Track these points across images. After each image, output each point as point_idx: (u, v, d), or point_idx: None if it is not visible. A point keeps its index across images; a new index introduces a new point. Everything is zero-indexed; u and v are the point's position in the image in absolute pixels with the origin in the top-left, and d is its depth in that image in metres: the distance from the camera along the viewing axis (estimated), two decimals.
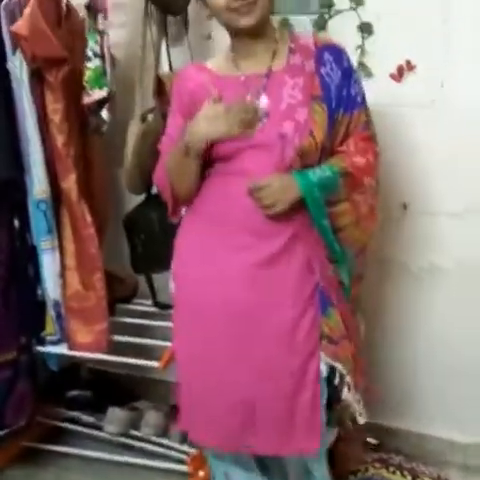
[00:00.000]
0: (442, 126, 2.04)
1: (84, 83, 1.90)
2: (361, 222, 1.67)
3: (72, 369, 2.46)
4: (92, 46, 1.88)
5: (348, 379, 1.65)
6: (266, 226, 1.59)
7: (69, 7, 1.92)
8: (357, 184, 1.63)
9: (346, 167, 1.61)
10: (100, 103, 1.92)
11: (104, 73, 1.88)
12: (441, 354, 2.21)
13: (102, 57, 1.88)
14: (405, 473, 2.22)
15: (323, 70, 1.60)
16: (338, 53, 1.64)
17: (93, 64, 1.88)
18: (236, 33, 1.59)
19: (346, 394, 1.66)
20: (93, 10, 1.88)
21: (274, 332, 1.61)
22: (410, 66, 2.02)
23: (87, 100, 1.91)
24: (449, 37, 1.96)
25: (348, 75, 1.64)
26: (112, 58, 1.98)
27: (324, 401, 1.64)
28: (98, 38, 1.88)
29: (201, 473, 2.16)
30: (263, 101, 1.58)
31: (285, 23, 1.83)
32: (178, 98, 1.67)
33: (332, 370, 1.63)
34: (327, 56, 1.62)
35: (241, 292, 1.60)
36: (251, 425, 1.65)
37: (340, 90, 1.61)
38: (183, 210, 1.75)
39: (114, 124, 2.05)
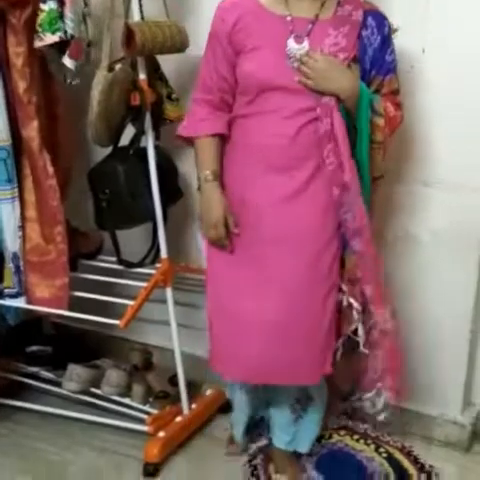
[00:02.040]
0: (421, 92, 1.99)
1: (37, 26, 1.81)
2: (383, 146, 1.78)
3: (34, 323, 2.43)
4: None
5: (360, 318, 1.82)
6: (288, 161, 1.71)
7: None
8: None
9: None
10: (60, 49, 1.83)
11: (60, 17, 1.79)
12: (410, 323, 2.19)
13: (60, 0, 1.79)
14: (369, 442, 2.25)
15: (364, 33, 1.70)
16: (381, 20, 1.73)
17: (47, 6, 1.79)
18: None
19: (360, 328, 1.82)
20: None
21: (301, 260, 1.75)
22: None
23: (38, 44, 1.82)
24: (431, 3, 1.91)
25: (386, 42, 1.73)
26: (85, 3, 1.91)
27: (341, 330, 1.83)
28: None
29: (161, 433, 2.16)
30: (304, 46, 1.67)
31: None
32: (224, 23, 1.71)
33: (349, 306, 1.81)
34: (370, 21, 1.71)
35: (271, 222, 1.74)
36: (273, 353, 1.78)
37: (377, 54, 1.71)
38: None
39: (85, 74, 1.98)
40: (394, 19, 1.91)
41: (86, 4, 1.91)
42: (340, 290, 1.82)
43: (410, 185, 2.09)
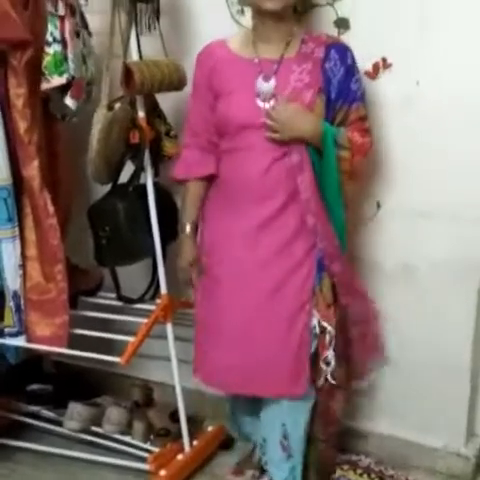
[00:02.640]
0: (417, 125, 2.02)
1: (43, 69, 1.85)
2: (353, 175, 1.88)
3: (34, 362, 2.42)
4: (52, 31, 1.83)
5: (333, 342, 1.89)
6: (261, 193, 1.84)
7: None
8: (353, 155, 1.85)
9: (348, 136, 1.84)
10: (62, 90, 1.86)
11: (64, 59, 1.84)
12: (411, 354, 2.20)
13: (63, 43, 1.83)
14: (373, 476, 2.23)
15: (327, 65, 1.81)
16: (343, 51, 1.84)
17: (52, 49, 1.83)
18: (260, 15, 1.80)
19: (330, 353, 1.90)
20: None
21: (265, 285, 1.87)
22: (386, 64, 2.00)
23: (46, 86, 1.86)
24: (425, 35, 1.94)
25: (350, 71, 1.83)
26: (84, 44, 1.94)
27: (311, 351, 1.90)
28: (58, 23, 1.83)
29: (163, 472, 2.14)
30: (271, 84, 1.81)
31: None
32: (201, 71, 1.90)
33: (322, 330, 1.89)
34: (333, 53, 1.82)
35: (240, 251, 1.88)
36: (246, 366, 1.91)
37: (342, 84, 1.81)
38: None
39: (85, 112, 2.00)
40: (388, 52, 1.98)
41: (85, 44, 1.94)
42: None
43: (408, 216, 2.11)
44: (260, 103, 1.82)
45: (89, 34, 2.02)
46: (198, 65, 1.91)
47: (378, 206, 2.13)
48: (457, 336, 2.13)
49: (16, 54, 1.85)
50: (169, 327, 2.23)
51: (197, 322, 2.05)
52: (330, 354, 1.90)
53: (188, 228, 2.01)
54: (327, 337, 1.89)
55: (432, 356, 2.18)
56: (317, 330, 1.89)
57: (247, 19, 1.99)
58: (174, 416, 2.32)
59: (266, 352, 1.90)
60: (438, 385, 2.19)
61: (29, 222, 2.03)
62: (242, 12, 2.03)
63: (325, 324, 1.88)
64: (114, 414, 2.29)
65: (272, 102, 1.81)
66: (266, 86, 1.81)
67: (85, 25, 2.00)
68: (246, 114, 1.82)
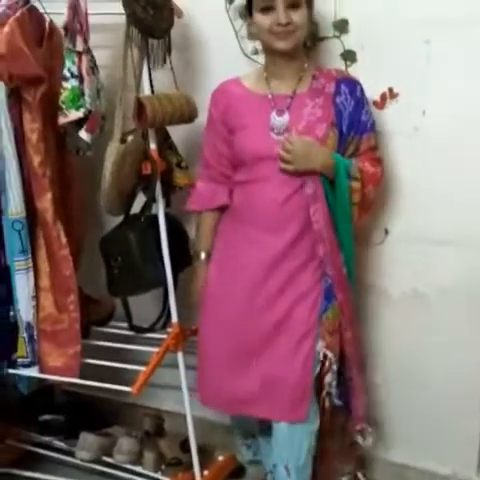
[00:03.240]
0: (424, 153, 2.04)
1: (60, 103, 1.88)
2: (364, 205, 1.94)
3: (46, 392, 2.42)
4: (69, 66, 1.86)
5: (334, 367, 1.93)
6: (276, 224, 1.89)
7: (52, 27, 1.90)
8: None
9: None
10: (78, 124, 1.89)
11: (82, 94, 1.87)
12: (422, 383, 2.20)
13: (80, 78, 1.87)
14: None
15: (338, 99, 1.89)
16: (353, 85, 1.91)
17: (70, 84, 1.87)
18: (272, 54, 1.89)
19: (330, 377, 1.93)
20: (71, 31, 1.86)
21: (272, 316, 1.92)
22: (392, 94, 2.03)
23: (63, 120, 1.89)
24: (431, 66, 1.97)
25: (360, 103, 1.91)
26: (97, 79, 1.98)
27: (314, 376, 1.92)
28: (76, 59, 1.87)
29: None
30: (285, 118, 1.88)
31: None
32: (216, 108, 1.97)
33: (324, 357, 1.92)
34: (343, 88, 1.89)
35: (252, 280, 1.92)
36: (251, 388, 1.95)
37: (352, 116, 1.89)
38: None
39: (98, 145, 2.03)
40: (394, 83, 2.01)
41: (98, 80, 1.98)
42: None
43: (418, 243, 2.12)
44: (274, 136, 1.88)
45: (98, 70, 2.04)
46: (213, 102, 1.98)
47: (386, 232, 2.15)
48: (467, 364, 2.13)
49: (30, 90, 1.89)
50: (180, 356, 2.23)
51: (200, 343, 2.08)
52: (330, 377, 1.94)
53: (203, 255, 2.06)
54: (327, 363, 1.92)
55: (443, 385, 2.18)
56: (321, 356, 1.92)
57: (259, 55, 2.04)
58: (185, 446, 2.32)
59: (269, 376, 1.94)
60: (447, 412, 2.19)
61: (42, 253, 2.05)
62: (256, 52, 2.08)
63: (327, 352, 1.92)
64: (125, 444, 2.29)
65: (286, 135, 1.87)
66: (280, 120, 1.88)
67: (94, 61, 2.02)
68: (261, 146, 1.89)
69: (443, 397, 2.18)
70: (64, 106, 1.88)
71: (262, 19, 1.82)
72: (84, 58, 1.89)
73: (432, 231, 2.09)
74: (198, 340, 2.10)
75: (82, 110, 1.88)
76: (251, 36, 2.05)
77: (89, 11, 1.92)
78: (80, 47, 1.87)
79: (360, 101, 1.91)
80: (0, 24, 1.82)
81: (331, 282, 1.92)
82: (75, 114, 1.88)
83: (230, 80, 1.98)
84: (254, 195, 1.93)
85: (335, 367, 1.93)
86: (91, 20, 1.92)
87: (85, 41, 1.88)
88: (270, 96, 1.91)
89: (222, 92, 1.97)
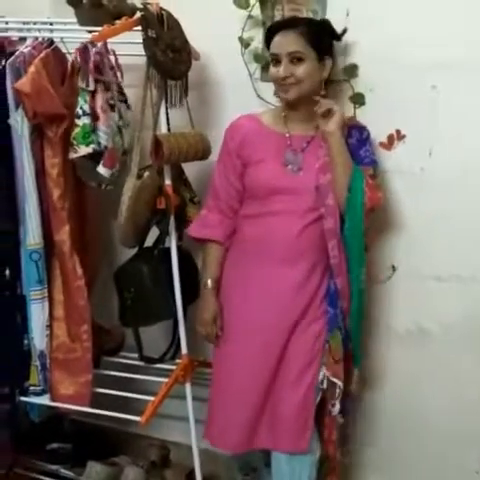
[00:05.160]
0: (430, 192, 2.09)
1: (71, 139, 1.94)
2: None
3: (54, 420, 2.43)
4: (82, 104, 1.92)
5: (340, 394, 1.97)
6: (291, 256, 1.94)
7: (74, 66, 1.96)
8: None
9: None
10: (94, 159, 1.94)
11: (93, 131, 1.92)
12: (425, 418, 2.22)
13: (93, 115, 1.92)
14: None
15: (349, 141, 1.98)
16: (361, 130, 2.03)
17: (81, 122, 1.92)
18: (284, 101, 1.98)
19: (338, 407, 1.99)
20: (83, 71, 1.92)
21: (278, 349, 1.96)
22: (400, 135, 2.09)
23: (73, 156, 1.94)
24: (437, 109, 2.03)
25: (363, 142, 2.01)
26: (121, 116, 2.04)
27: (315, 406, 1.98)
28: (88, 97, 1.92)
29: None
30: (299, 158, 1.96)
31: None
32: (233, 141, 2.01)
33: (332, 384, 1.97)
34: (354, 132, 2.00)
35: (264, 316, 1.97)
36: (256, 424, 2.00)
37: (353, 150, 1.97)
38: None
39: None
40: (402, 125, 2.07)
41: (121, 117, 2.03)
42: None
43: (421, 279, 2.16)
44: (289, 171, 1.95)
45: (128, 107, 2.10)
46: (230, 134, 2.02)
47: (393, 269, 2.19)
48: (468, 401, 2.16)
49: (52, 127, 1.95)
50: (188, 387, 2.26)
51: (213, 383, 2.12)
52: (338, 407, 1.99)
53: (210, 283, 2.08)
54: (337, 391, 1.97)
55: (446, 420, 2.20)
56: (325, 385, 1.97)
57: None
58: (191, 477, 2.33)
59: (271, 407, 1.98)
60: (449, 448, 2.21)
61: (58, 284, 2.09)
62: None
63: (334, 379, 1.96)
64: (131, 474, 2.31)
65: (298, 173, 1.95)
66: (294, 159, 1.96)
67: (124, 99, 2.10)
68: (276, 179, 1.94)
69: (444, 432, 2.21)
70: (75, 142, 1.93)
71: (272, 70, 1.93)
72: (99, 96, 1.94)
73: (436, 268, 2.13)
74: (212, 377, 2.13)
75: (92, 146, 1.93)
76: (258, 58, 2.15)
77: (113, 52, 2.01)
78: (92, 86, 1.92)
79: (363, 141, 2.01)
80: (26, 64, 1.90)
81: (339, 311, 1.97)
82: (84, 149, 1.93)
83: (248, 115, 2.04)
84: (269, 227, 1.96)
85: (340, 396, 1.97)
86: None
87: (99, 81, 1.93)
88: (288, 135, 1.98)
89: (240, 126, 2.02)
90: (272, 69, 1.93)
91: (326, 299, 1.99)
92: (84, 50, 1.93)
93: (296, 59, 1.88)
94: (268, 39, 1.95)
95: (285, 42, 1.89)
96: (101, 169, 1.94)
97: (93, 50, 1.93)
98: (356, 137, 2.00)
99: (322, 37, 1.92)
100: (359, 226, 1.94)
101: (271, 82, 1.98)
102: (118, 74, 2.06)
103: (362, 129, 2.03)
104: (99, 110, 1.94)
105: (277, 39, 1.91)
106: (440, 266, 2.13)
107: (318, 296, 1.99)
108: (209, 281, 2.08)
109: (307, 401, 1.97)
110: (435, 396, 2.20)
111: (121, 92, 2.08)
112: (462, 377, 2.16)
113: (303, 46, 1.88)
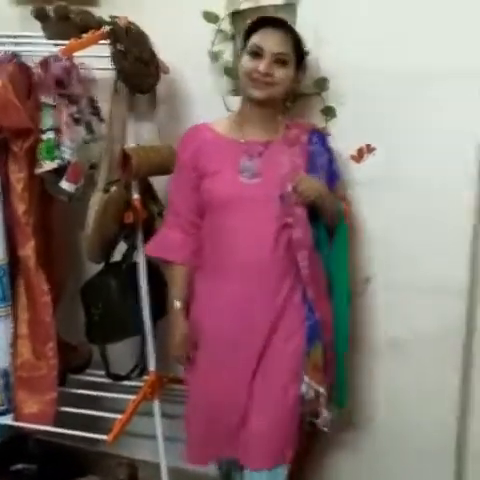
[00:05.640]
0: (400, 201, 2.10)
1: (37, 154, 1.91)
2: None
3: (18, 440, 2.38)
4: (46, 119, 1.90)
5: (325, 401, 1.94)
6: (257, 270, 1.87)
7: (42, 79, 1.93)
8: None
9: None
10: (57, 174, 1.92)
11: (57, 146, 1.90)
12: (401, 429, 2.23)
13: (56, 130, 1.90)
14: None
15: (310, 148, 1.94)
16: (323, 137, 2.00)
17: (46, 136, 1.90)
18: (249, 101, 1.89)
19: (325, 414, 1.95)
20: (45, 86, 1.90)
21: (256, 366, 1.90)
22: (370, 148, 2.10)
23: (38, 171, 1.92)
24: (407, 121, 2.04)
25: (331, 156, 2.00)
26: (91, 131, 2.01)
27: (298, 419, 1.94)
28: (51, 112, 1.90)
29: None
30: (255, 163, 1.88)
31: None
32: (186, 153, 1.94)
33: (316, 393, 1.92)
34: (315, 138, 1.96)
35: (233, 332, 1.90)
36: (235, 437, 1.94)
37: (326, 167, 1.95)
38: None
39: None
40: (371, 138, 2.07)
41: (91, 131, 2.00)
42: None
43: (397, 291, 2.16)
44: (244, 180, 1.87)
45: (101, 120, 2.06)
46: (183, 146, 1.95)
47: (367, 281, 2.19)
48: (441, 411, 2.16)
49: (18, 141, 1.92)
50: (156, 405, 2.24)
51: (189, 403, 2.04)
52: (326, 413, 1.95)
53: (177, 304, 1.99)
54: (321, 399, 1.93)
55: (415, 433, 2.21)
56: (312, 394, 1.91)
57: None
58: None
59: (256, 424, 1.91)
60: (423, 460, 2.21)
61: (22, 301, 2.05)
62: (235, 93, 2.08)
63: (319, 387, 1.91)
64: None
65: (256, 180, 1.87)
66: (249, 165, 1.87)
67: (96, 112, 2.06)
68: (231, 188, 1.86)
69: (416, 445, 2.21)
70: (40, 157, 1.91)
71: (247, 61, 1.83)
72: (63, 111, 1.91)
73: (409, 278, 2.13)
74: (188, 399, 2.05)
75: (57, 161, 1.90)
76: (228, 72, 2.12)
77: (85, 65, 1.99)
78: (55, 100, 1.90)
79: (330, 151, 1.99)
80: None
81: (318, 323, 1.91)
82: (49, 164, 1.90)
83: (200, 125, 1.97)
84: (230, 242, 1.88)
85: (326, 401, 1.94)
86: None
87: (63, 95, 1.91)
88: (243, 141, 1.90)
89: (192, 136, 1.95)
90: (248, 61, 1.83)
91: (304, 308, 1.91)
92: (45, 64, 1.91)
93: (280, 61, 1.82)
94: (250, 29, 1.84)
95: (274, 40, 1.81)
96: (64, 184, 1.92)
97: (55, 64, 1.90)
98: (318, 144, 1.96)
99: (302, 46, 1.87)
100: (344, 247, 1.96)
101: (240, 75, 1.87)
102: (90, 87, 2.03)
103: (323, 135, 2.01)
104: (63, 124, 1.92)
105: (265, 33, 1.82)
106: (411, 277, 2.13)
107: (291, 307, 1.91)
108: (177, 302, 1.99)
109: (291, 416, 1.91)
110: (409, 405, 2.20)
111: (93, 105, 2.05)
112: (436, 385, 2.16)
113: (289, 49, 1.83)
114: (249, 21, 1.86)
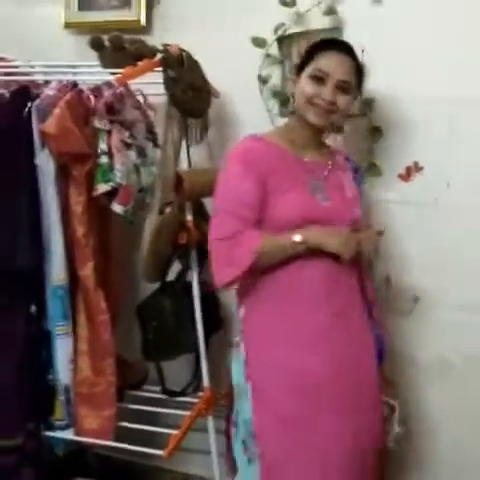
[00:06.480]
0: (448, 223, 2.11)
1: (94, 178, 1.98)
2: None
3: (78, 454, 2.44)
4: (101, 144, 1.97)
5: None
6: (341, 300, 1.76)
7: (95, 106, 2.01)
8: None
9: None
10: (111, 196, 1.98)
11: (110, 169, 1.96)
12: (448, 450, 2.21)
13: (109, 154, 1.96)
14: None
15: (353, 174, 1.91)
16: (355, 164, 1.96)
17: (101, 161, 1.97)
18: (304, 123, 1.80)
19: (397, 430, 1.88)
20: (99, 112, 1.97)
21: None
22: (417, 167, 2.12)
23: (94, 194, 1.99)
24: (454, 141, 2.05)
25: (361, 182, 1.95)
26: (143, 155, 2.06)
27: None
28: (105, 137, 1.97)
29: None
30: (324, 186, 1.79)
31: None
32: (248, 167, 1.72)
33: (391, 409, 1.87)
34: (353, 164, 1.94)
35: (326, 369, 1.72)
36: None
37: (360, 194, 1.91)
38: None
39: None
40: (419, 157, 2.10)
41: (145, 155, 2.06)
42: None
43: (445, 310, 2.15)
44: (319, 201, 1.77)
45: (155, 145, 2.12)
46: (247, 160, 1.75)
47: (415, 301, 2.19)
48: None
49: (77, 166, 1.99)
50: (210, 421, 2.27)
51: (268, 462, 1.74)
52: (398, 430, 1.90)
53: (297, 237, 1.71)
54: (396, 414, 1.89)
55: (466, 454, 2.19)
56: (387, 411, 1.88)
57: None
58: None
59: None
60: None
61: (82, 318, 2.12)
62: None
63: (393, 402, 1.89)
64: None
65: (328, 203, 1.77)
66: (318, 185, 1.78)
67: (152, 138, 2.12)
68: (309, 210, 1.74)
69: (468, 464, 2.19)
70: (96, 180, 1.98)
71: (308, 85, 1.75)
72: (114, 136, 1.97)
73: (457, 299, 2.13)
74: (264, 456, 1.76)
75: (110, 184, 1.96)
76: (276, 95, 2.13)
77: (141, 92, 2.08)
78: (107, 126, 1.96)
79: (360, 180, 1.96)
80: (52, 106, 1.95)
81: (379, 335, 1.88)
82: (103, 187, 1.97)
83: (256, 140, 1.80)
84: (303, 268, 1.74)
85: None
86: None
87: (114, 121, 1.97)
88: (306, 160, 1.82)
89: (257, 151, 1.77)
90: (310, 85, 1.74)
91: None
92: (98, 91, 1.99)
93: (343, 88, 1.74)
94: (313, 51, 1.76)
95: (340, 66, 1.73)
96: (115, 206, 1.98)
97: (107, 91, 1.99)
98: (353, 172, 1.93)
99: (363, 72, 1.81)
100: None
101: (298, 98, 1.78)
102: (149, 113, 2.11)
103: (354, 163, 1.97)
104: (114, 148, 1.98)
105: (331, 58, 1.73)
106: (460, 297, 2.12)
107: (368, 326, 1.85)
108: (294, 236, 1.71)
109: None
110: (457, 428, 2.18)
111: (150, 131, 2.11)
112: None
113: (353, 77, 1.77)
114: (312, 42, 1.81)
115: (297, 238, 1.69)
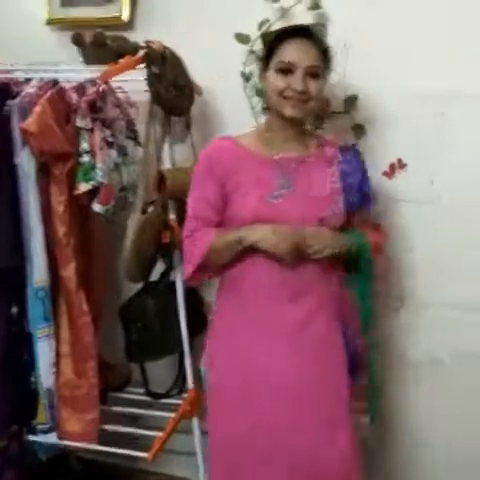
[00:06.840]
0: (436, 221, 2.10)
1: (76, 177, 1.96)
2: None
3: (61, 458, 2.41)
4: (83, 143, 1.94)
5: None
6: (302, 306, 1.74)
7: (78, 104, 1.98)
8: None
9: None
10: (92, 195, 1.96)
11: (92, 168, 1.94)
12: (438, 447, 2.22)
13: (91, 153, 1.94)
14: None
15: (342, 167, 1.81)
16: (358, 155, 1.87)
17: (83, 159, 1.94)
18: (278, 116, 1.76)
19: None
20: (80, 110, 1.94)
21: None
22: (401, 164, 2.11)
23: (75, 192, 1.96)
24: (438, 138, 2.05)
25: (364, 175, 1.85)
26: (124, 154, 2.04)
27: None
28: (86, 136, 1.94)
29: None
30: (289, 181, 1.76)
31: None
32: (211, 167, 1.76)
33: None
34: (349, 156, 1.84)
35: (283, 367, 1.75)
36: None
37: (356, 187, 1.82)
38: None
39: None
40: (403, 154, 2.10)
41: (125, 154, 2.04)
42: None
43: (434, 308, 2.15)
44: (273, 200, 1.73)
45: (137, 144, 2.10)
46: (208, 161, 1.79)
47: (402, 300, 2.19)
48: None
49: (58, 165, 1.96)
50: (195, 421, 2.25)
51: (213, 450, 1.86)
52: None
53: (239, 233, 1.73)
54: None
55: (456, 449, 2.19)
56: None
57: None
58: None
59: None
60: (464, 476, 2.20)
61: (64, 320, 2.09)
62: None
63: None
64: None
65: (282, 201, 1.74)
66: (284, 183, 1.75)
67: (133, 136, 2.09)
68: (261, 210, 1.72)
69: (459, 462, 2.20)
70: (77, 179, 1.95)
71: (276, 80, 1.71)
72: (96, 134, 1.95)
73: (444, 297, 2.13)
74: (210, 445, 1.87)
75: (92, 183, 1.94)
76: (260, 93, 2.02)
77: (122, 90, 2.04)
78: (89, 125, 1.94)
79: (365, 172, 1.86)
80: (32, 104, 1.92)
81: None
82: (84, 186, 1.94)
83: (225, 140, 1.82)
84: (262, 269, 1.74)
85: None
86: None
87: (96, 119, 1.95)
88: (276, 157, 1.78)
89: (219, 152, 1.79)
90: (278, 79, 1.70)
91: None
92: (81, 88, 1.96)
93: (312, 74, 1.70)
94: (273, 44, 1.72)
95: (305, 54, 1.69)
96: (95, 206, 1.96)
97: (90, 88, 1.96)
98: (353, 162, 1.83)
99: (329, 52, 1.76)
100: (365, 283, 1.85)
101: (270, 94, 1.75)
102: (130, 111, 2.08)
103: (358, 153, 1.88)
104: (96, 147, 1.96)
105: (293, 47, 1.69)
106: (446, 294, 2.13)
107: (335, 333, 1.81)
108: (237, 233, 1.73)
109: (352, 450, 1.77)
110: (446, 425, 2.19)
111: (131, 129, 2.09)
112: (472, 404, 2.15)
113: (319, 60, 1.71)
114: (269, 37, 1.77)
115: (237, 236, 1.72)
